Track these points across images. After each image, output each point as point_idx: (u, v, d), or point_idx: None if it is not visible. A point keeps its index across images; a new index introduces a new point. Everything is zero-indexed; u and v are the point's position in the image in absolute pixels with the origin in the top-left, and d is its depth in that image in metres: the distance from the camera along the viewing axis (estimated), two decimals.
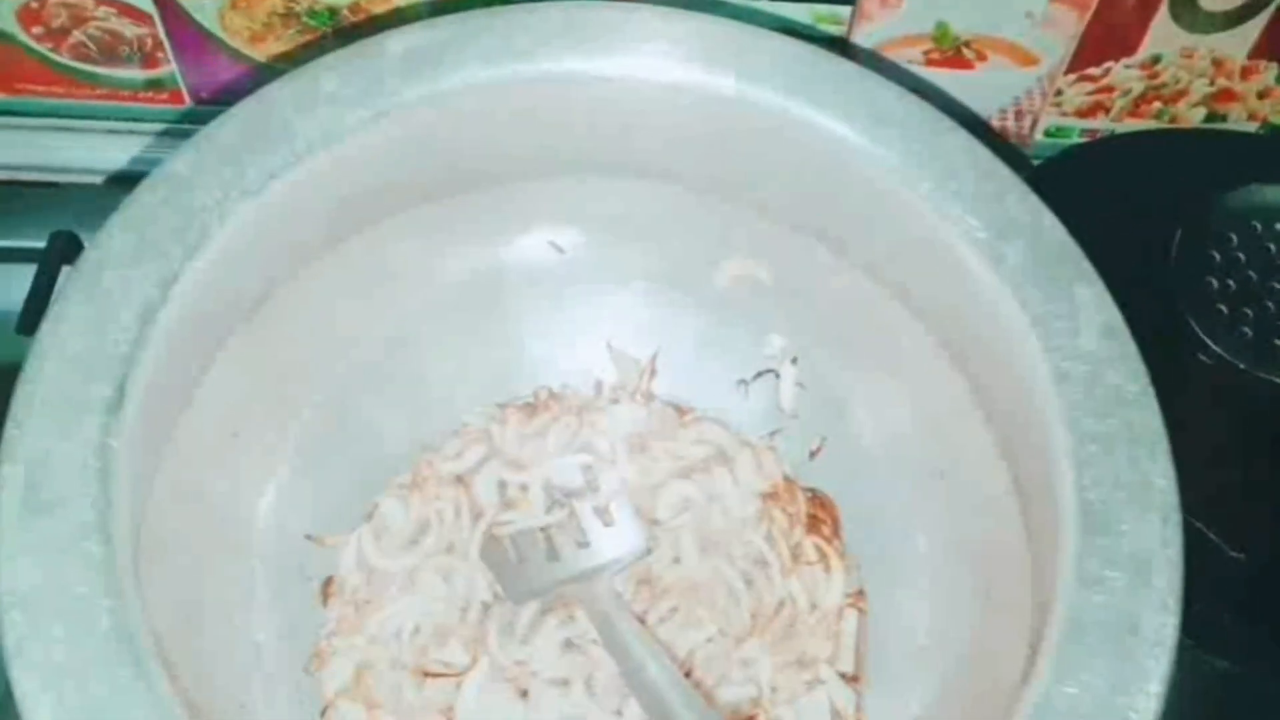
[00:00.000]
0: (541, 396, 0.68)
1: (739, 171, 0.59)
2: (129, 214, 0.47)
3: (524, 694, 0.60)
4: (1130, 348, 0.48)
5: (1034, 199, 0.52)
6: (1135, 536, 0.44)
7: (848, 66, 0.55)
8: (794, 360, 0.66)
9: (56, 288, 0.61)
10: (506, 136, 0.58)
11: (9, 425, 0.42)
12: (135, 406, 0.44)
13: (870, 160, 0.53)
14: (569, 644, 0.61)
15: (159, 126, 0.75)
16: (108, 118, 0.75)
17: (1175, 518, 0.44)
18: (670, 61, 0.55)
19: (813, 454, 0.66)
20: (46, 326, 0.44)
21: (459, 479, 0.65)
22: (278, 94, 0.51)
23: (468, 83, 0.53)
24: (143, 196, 0.48)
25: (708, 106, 0.55)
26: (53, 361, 0.44)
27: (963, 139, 0.53)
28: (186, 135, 0.50)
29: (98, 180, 0.77)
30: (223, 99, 0.71)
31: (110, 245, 0.46)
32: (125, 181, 0.75)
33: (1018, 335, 0.50)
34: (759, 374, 0.67)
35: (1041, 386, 0.48)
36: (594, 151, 0.60)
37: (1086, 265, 0.50)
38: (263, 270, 0.54)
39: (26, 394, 0.43)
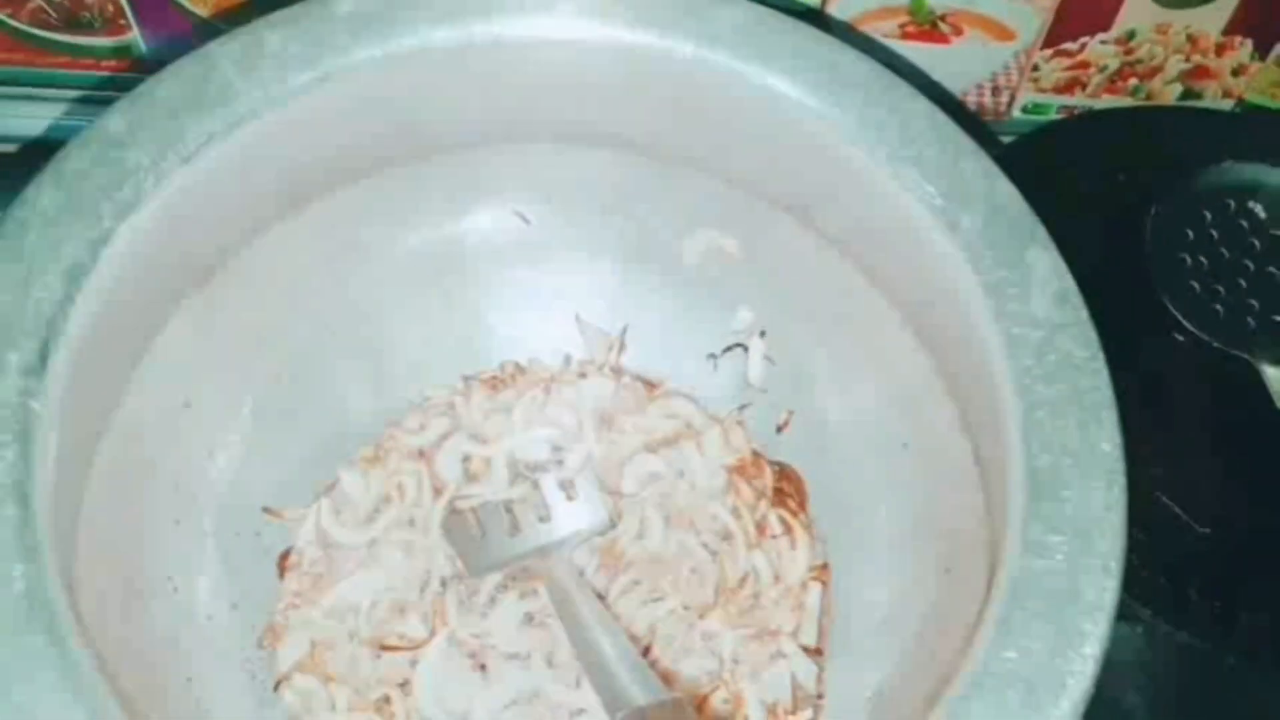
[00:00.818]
0: (507, 370, 0.68)
1: (701, 140, 0.59)
2: (59, 170, 0.46)
3: (482, 668, 0.59)
4: (1082, 314, 0.47)
5: (991, 165, 0.51)
6: (1079, 502, 0.43)
7: (806, 31, 0.54)
8: (762, 334, 0.66)
9: None
10: (463, 101, 0.57)
11: None
12: (64, 370, 0.43)
13: (829, 126, 0.52)
14: (530, 619, 0.60)
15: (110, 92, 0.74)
16: (69, 85, 0.74)
17: (1120, 482, 0.43)
18: (627, 26, 0.54)
19: (780, 428, 0.66)
20: None
21: (421, 453, 0.65)
22: (219, 51, 0.50)
23: (420, 44, 0.52)
24: (73, 153, 0.47)
25: (666, 71, 0.54)
26: None
27: (922, 105, 0.52)
28: None
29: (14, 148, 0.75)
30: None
31: (38, 202, 0.45)
32: None
33: (972, 302, 0.49)
34: (728, 348, 0.67)
35: (994, 353, 0.48)
36: (554, 118, 0.59)
37: (1041, 232, 0.49)
38: (210, 235, 0.54)
39: None
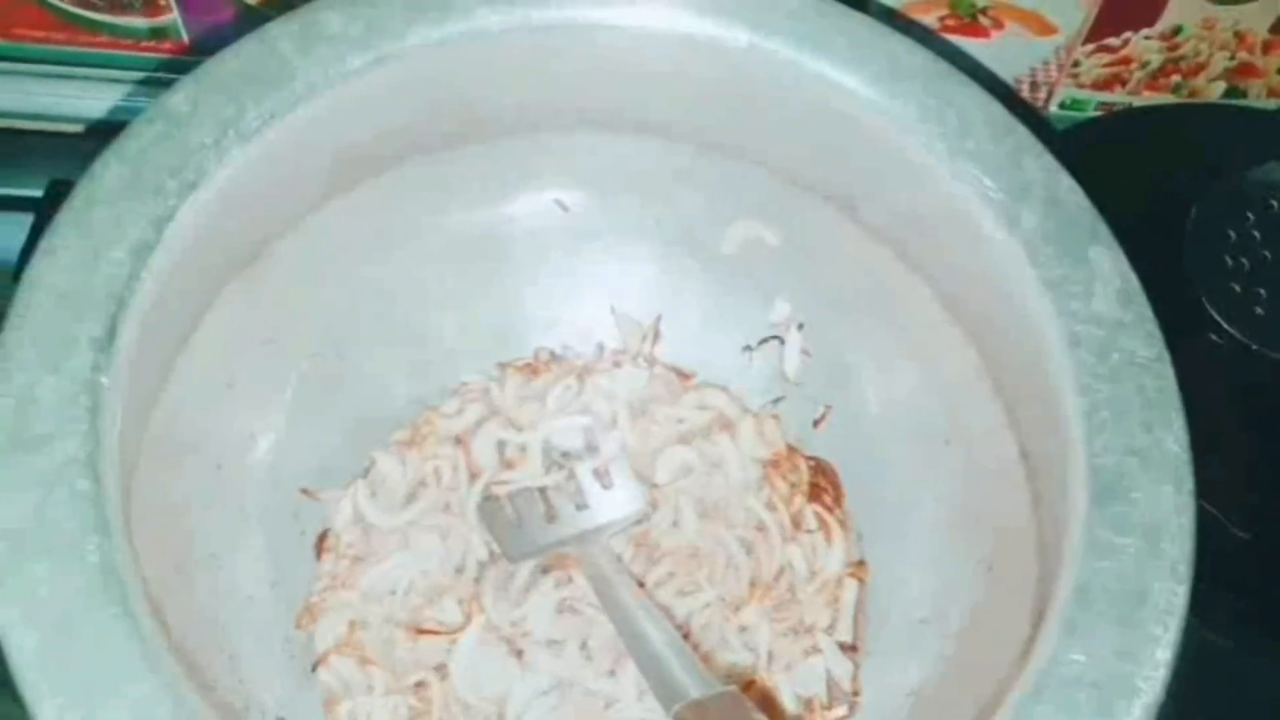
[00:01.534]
0: (542, 357, 0.67)
1: (749, 128, 0.58)
2: (124, 148, 0.46)
3: (519, 654, 0.59)
4: (1146, 312, 0.47)
5: (1051, 160, 0.51)
6: (1147, 504, 0.43)
7: (862, 20, 0.54)
8: (800, 326, 0.65)
9: None
10: (514, 86, 0.57)
11: None
12: (127, 346, 0.43)
13: (883, 117, 0.52)
14: (565, 605, 0.60)
15: (161, 76, 0.74)
16: (109, 66, 0.74)
17: (1189, 485, 0.43)
18: (683, 12, 0.54)
19: (816, 422, 0.65)
20: (37, 260, 0.43)
21: (457, 438, 0.64)
22: (278, 32, 0.50)
23: (474, 28, 0.52)
24: (139, 130, 0.46)
25: (720, 59, 0.54)
26: (43, 295, 0.42)
27: (979, 96, 0.52)
28: None
29: (81, 129, 0.76)
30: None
31: (104, 178, 0.45)
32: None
33: (1031, 299, 0.49)
34: (764, 340, 0.66)
35: (1054, 351, 0.48)
36: (603, 105, 0.59)
37: (1103, 229, 0.49)
38: (261, 216, 0.53)
39: (15, 328, 0.42)
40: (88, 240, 0.44)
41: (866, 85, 0.52)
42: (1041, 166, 0.50)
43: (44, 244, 0.44)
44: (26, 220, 0.65)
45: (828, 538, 0.63)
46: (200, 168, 0.46)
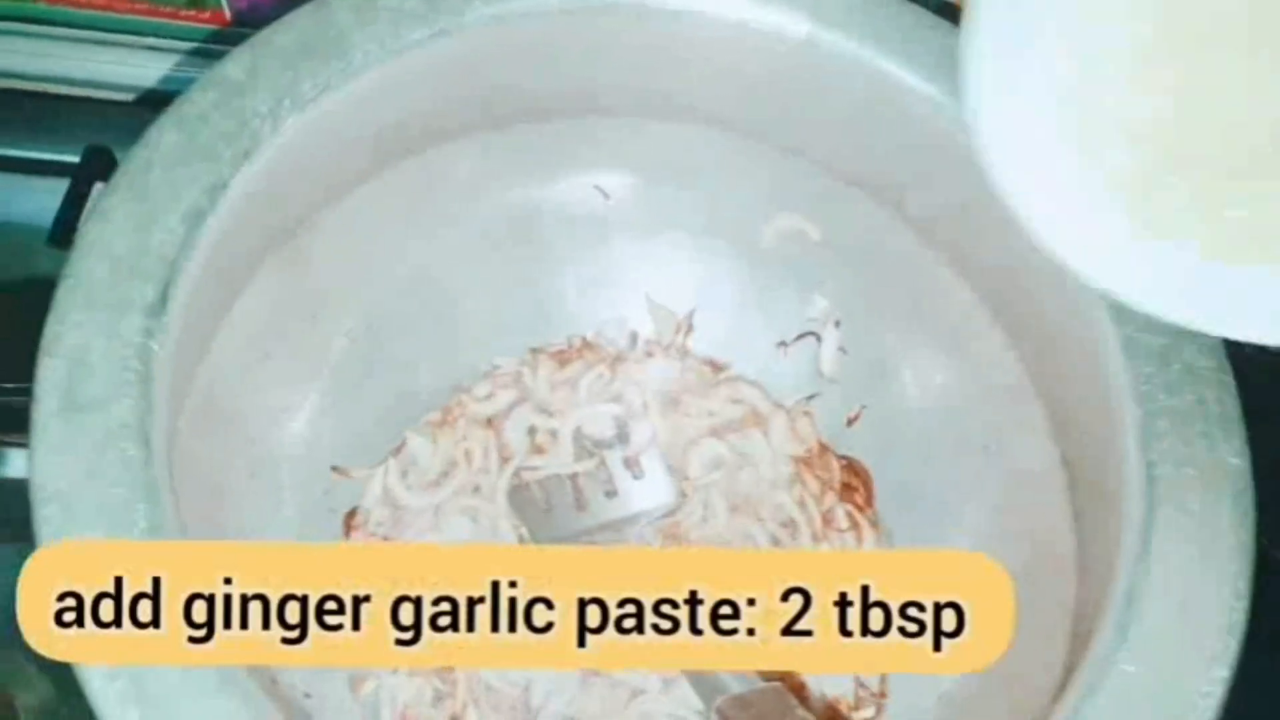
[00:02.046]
0: (575, 344, 0.67)
1: (799, 119, 0.58)
2: (180, 113, 0.45)
3: None
4: None
5: None
6: (1204, 517, 0.43)
7: (922, 14, 0.53)
8: (837, 323, 0.65)
9: (90, 199, 0.59)
10: (566, 67, 0.56)
11: (51, 320, 0.41)
12: (177, 313, 0.42)
13: (939, 110, 0.52)
14: None
15: (196, 45, 0.73)
16: (145, 33, 0.73)
17: (1248, 499, 0.43)
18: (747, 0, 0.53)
19: (850, 421, 0.65)
20: (92, 223, 0.43)
21: (489, 421, 0.64)
22: (337, 3, 0.49)
23: (535, 6, 0.51)
24: (195, 96, 0.46)
25: (776, 48, 0.53)
26: (97, 259, 0.42)
27: None
28: (223, 55, 0.48)
29: (132, 98, 0.75)
30: (265, 20, 0.69)
31: (160, 144, 0.44)
32: (158, 99, 0.74)
33: (1086, 303, 0.48)
34: (799, 336, 0.66)
35: (1110, 357, 0.47)
36: (653, 89, 0.58)
37: None
38: (307, 189, 0.53)
39: (69, 289, 0.41)
40: (142, 205, 0.43)
41: (924, 79, 0.52)
42: None
43: (98, 207, 0.43)
44: (62, 185, 0.65)
45: (858, 538, 0.63)
46: (255, 136, 0.45)
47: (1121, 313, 0.47)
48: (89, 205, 0.47)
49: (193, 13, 0.71)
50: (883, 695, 0.59)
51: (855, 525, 0.63)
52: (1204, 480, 0.43)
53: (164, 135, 0.44)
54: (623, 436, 0.65)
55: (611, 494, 0.61)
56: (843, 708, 0.58)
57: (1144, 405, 0.45)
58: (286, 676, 0.53)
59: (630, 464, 0.62)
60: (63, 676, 0.37)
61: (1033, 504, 0.55)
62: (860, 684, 0.59)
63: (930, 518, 0.61)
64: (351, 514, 0.61)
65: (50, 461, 0.38)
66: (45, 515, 0.37)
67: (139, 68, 0.74)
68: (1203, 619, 0.41)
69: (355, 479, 0.61)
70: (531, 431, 0.64)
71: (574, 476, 0.62)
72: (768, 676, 0.48)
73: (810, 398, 0.66)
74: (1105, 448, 0.47)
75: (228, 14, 0.71)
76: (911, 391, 0.63)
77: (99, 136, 0.67)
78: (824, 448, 0.65)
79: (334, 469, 0.60)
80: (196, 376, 0.49)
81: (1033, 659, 0.50)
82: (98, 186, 0.65)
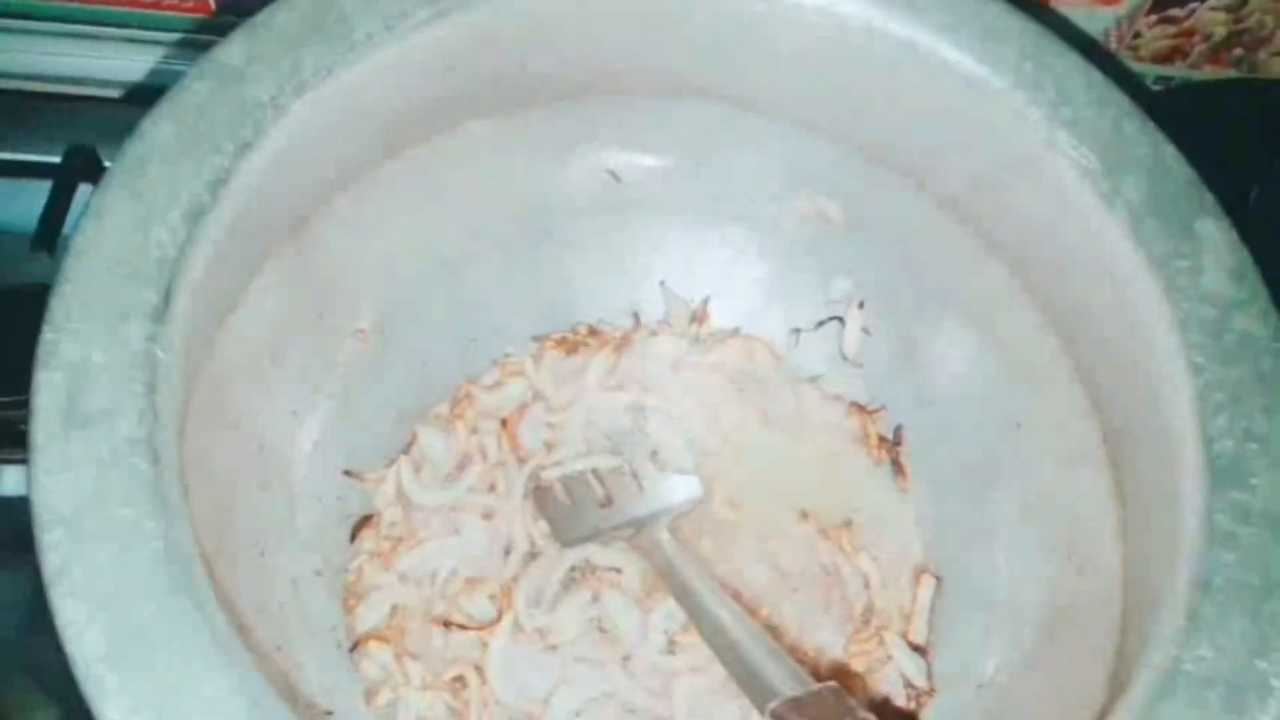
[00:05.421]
0: (580, 332, 0.65)
1: (825, 97, 0.55)
2: (176, 103, 0.42)
3: (553, 649, 0.57)
4: (1261, 290, 0.44)
5: (1153, 128, 0.48)
6: (1270, 491, 0.41)
7: None
8: (860, 305, 0.62)
9: (82, 201, 0.57)
10: (573, 45, 0.54)
11: (46, 329, 0.38)
12: (181, 316, 0.40)
13: (974, 82, 0.49)
14: (596, 624, 0.58)
15: (180, 36, 0.71)
16: (126, 24, 0.70)
17: None
18: None
19: (876, 407, 0.63)
20: (85, 224, 0.40)
21: (504, 422, 0.62)
22: None
23: None
24: (191, 85, 0.43)
25: (802, 22, 0.51)
26: (93, 261, 0.39)
27: (1077, 62, 0.49)
28: (208, 47, 0.46)
29: (115, 94, 0.72)
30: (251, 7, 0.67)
31: (156, 137, 0.42)
32: (142, 95, 0.72)
33: (1132, 276, 0.46)
34: (822, 321, 0.64)
35: (1158, 330, 0.45)
36: (665, 68, 0.56)
37: (1211, 200, 0.47)
38: (311, 179, 0.50)
39: (65, 296, 0.39)
40: (140, 203, 0.40)
41: (959, 51, 0.50)
42: (1143, 134, 0.48)
43: (92, 207, 0.40)
44: (44, 187, 0.63)
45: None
46: (257, 125, 0.43)
47: (1170, 284, 0.45)
48: (76, 206, 0.45)
49: (175, 1, 0.68)
50: (930, 692, 0.57)
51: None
52: (1267, 454, 0.41)
53: (159, 128, 0.42)
54: (640, 426, 0.62)
55: (636, 491, 0.59)
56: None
57: (1197, 377, 0.43)
58: (306, 690, 0.51)
59: (654, 458, 0.61)
60: (71, 703, 0.35)
61: (1072, 481, 0.53)
62: (906, 678, 0.57)
63: (962, 499, 0.59)
64: (362, 522, 0.58)
65: (53, 482, 0.36)
66: (51, 541, 0.35)
67: (120, 61, 0.71)
68: (1274, 598, 0.39)
69: (369, 482, 0.59)
70: (545, 429, 0.62)
71: (597, 472, 0.60)
72: (819, 678, 0.45)
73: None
74: (1156, 423, 0.45)
75: (212, 2, 0.68)
76: (939, 372, 0.61)
77: (80, 135, 0.65)
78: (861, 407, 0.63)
79: (347, 473, 0.58)
80: (200, 382, 0.47)
81: (1081, 641, 0.49)
82: (82, 188, 0.63)
